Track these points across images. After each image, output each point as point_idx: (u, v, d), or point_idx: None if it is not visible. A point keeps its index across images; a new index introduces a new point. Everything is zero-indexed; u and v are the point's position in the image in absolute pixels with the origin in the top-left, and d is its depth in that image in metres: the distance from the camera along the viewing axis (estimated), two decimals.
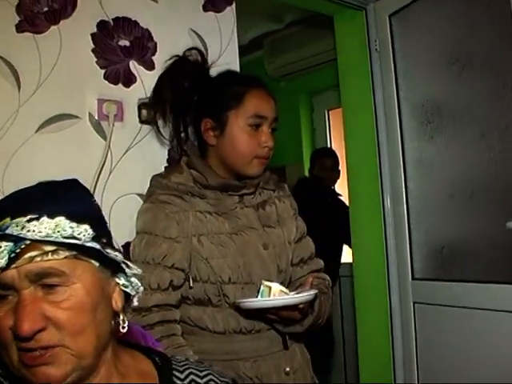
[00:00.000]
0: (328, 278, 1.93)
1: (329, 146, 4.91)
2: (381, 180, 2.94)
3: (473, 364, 2.48)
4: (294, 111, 5.22)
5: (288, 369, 1.77)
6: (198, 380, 1.08)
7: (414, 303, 2.82)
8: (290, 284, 1.84)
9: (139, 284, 1.03)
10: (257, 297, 1.67)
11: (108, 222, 1.83)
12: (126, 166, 1.96)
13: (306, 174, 4.78)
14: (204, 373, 1.10)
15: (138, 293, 1.03)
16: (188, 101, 1.85)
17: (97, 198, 1.85)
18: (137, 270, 1.02)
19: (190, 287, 1.71)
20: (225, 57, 2.15)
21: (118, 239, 1.90)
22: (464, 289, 2.55)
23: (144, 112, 2.00)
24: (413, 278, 2.85)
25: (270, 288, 1.67)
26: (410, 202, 2.87)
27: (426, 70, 2.81)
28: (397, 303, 2.87)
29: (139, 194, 1.92)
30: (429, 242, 2.82)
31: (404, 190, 2.87)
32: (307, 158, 4.97)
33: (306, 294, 1.68)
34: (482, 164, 2.52)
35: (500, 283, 2.37)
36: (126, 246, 1.85)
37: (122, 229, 1.86)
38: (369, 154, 2.99)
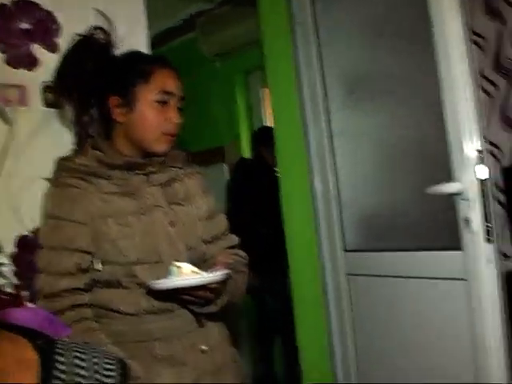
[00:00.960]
0: (244, 254, 1.93)
1: (265, 124, 4.88)
2: (309, 153, 2.94)
3: (407, 331, 2.51)
4: (230, 91, 5.20)
5: (204, 347, 1.76)
6: (82, 364, 1.07)
7: (347, 275, 2.83)
8: (205, 262, 1.83)
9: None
10: (166, 277, 1.65)
11: (15, 207, 1.85)
12: (32, 151, 1.93)
13: (245, 153, 4.77)
14: (88, 356, 1.08)
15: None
16: (92, 81, 1.82)
17: (3, 183, 1.82)
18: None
19: (99, 270, 1.69)
20: (133, 38, 2.11)
21: (29, 224, 1.88)
22: (395, 258, 2.57)
23: (49, 95, 1.96)
24: (345, 250, 2.85)
25: (180, 268, 1.65)
26: (339, 173, 2.87)
27: (348, 41, 2.82)
28: (330, 276, 2.88)
29: (46, 178, 1.88)
30: (359, 212, 2.84)
31: (332, 161, 2.88)
32: (244, 137, 4.96)
33: (218, 273, 1.67)
34: (405, 132, 2.54)
35: (429, 250, 2.38)
36: (37, 231, 1.81)
37: (32, 214, 1.83)
38: (295, 128, 2.99)
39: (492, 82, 3.74)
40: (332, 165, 2.88)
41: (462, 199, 2.07)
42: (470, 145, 2.04)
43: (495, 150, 3.71)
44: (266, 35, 3.17)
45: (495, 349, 2.07)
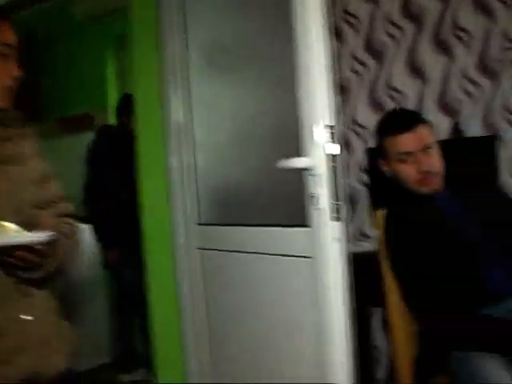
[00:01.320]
0: (76, 224, 1.81)
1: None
2: (167, 123, 2.84)
3: (257, 308, 2.48)
4: (101, 56, 4.99)
5: (26, 317, 1.63)
6: None
7: (199, 249, 2.77)
8: (35, 227, 1.69)
9: None
10: None
11: None
12: None
13: (112, 120, 4.60)
14: None
15: None
16: None
17: None
18: None
19: None
20: None
21: None
22: (245, 233, 2.55)
23: None
24: (198, 224, 2.78)
25: (3, 227, 1.52)
26: (196, 145, 2.79)
27: (213, 11, 2.74)
28: (182, 249, 2.81)
29: None
30: (214, 185, 2.78)
31: (190, 132, 2.79)
32: (114, 103, 4.79)
33: (43, 234, 1.54)
34: (261, 105, 2.49)
35: (279, 226, 2.35)
36: None
37: None
38: (154, 97, 2.89)
39: (362, 63, 3.78)
40: (190, 136, 2.79)
41: (311, 175, 2.03)
42: (321, 121, 1.99)
43: (361, 131, 3.77)
44: (134, 0, 3.03)
45: (338, 331, 2.06)
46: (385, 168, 2.33)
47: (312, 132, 2.04)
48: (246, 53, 2.57)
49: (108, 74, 5.05)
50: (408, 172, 2.24)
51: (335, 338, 2.06)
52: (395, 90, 3.63)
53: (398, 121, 2.30)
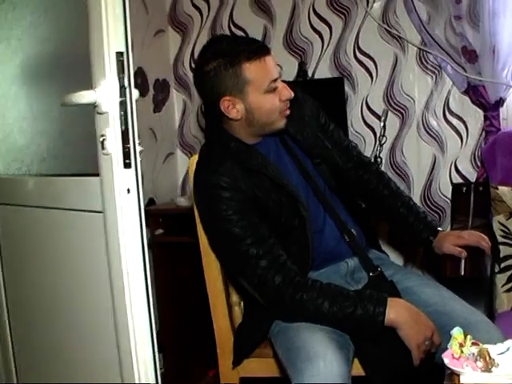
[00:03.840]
0: None
1: None
2: None
3: (49, 266, 2.19)
4: None
5: None
6: None
7: None
8: None
9: None
10: None
11: None
12: None
13: None
14: None
15: None
16: None
17: None
18: None
19: None
20: None
21: None
22: (34, 184, 2.24)
23: None
24: None
25: None
26: None
27: None
28: None
29: None
30: (4, 130, 2.42)
31: None
32: None
33: None
34: (49, 36, 2.16)
35: (70, 176, 2.10)
36: None
37: None
38: None
39: None
40: None
41: (99, 113, 1.73)
42: (112, 48, 1.68)
43: None
44: None
45: (136, 298, 1.79)
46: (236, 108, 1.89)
47: (101, 61, 1.72)
48: None
49: None
50: (275, 103, 1.89)
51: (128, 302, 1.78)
52: (239, 27, 3.39)
53: (253, 44, 1.87)
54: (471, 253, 2.08)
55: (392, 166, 3.20)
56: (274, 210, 1.89)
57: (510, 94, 2.91)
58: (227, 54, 1.83)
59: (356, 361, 1.86)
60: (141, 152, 1.79)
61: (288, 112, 1.92)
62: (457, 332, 1.48)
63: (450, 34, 2.95)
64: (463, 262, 2.07)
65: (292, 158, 1.99)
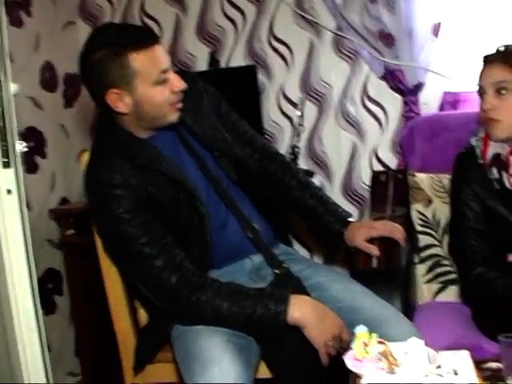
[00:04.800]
0: None
1: None
2: None
3: None
4: None
5: None
6: None
7: None
8: None
9: None
10: None
11: None
12: None
13: None
14: None
15: None
16: None
17: None
18: None
19: None
20: None
21: None
22: None
23: None
24: None
25: None
26: None
27: None
28: None
29: None
30: None
31: None
32: None
33: None
34: None
35: None
36: None
37: None
38: None
39: None
40: None
41: None
42: None
43: None
44: None
45: (20, 298, 1.68)
46: (123, 101, 1.76)
47: None
48: None
49: None
50: (166, 95, 1.78)
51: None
52: (151, 17, 3.28)
53: (141, 33, 1.76)
54: (385, 244, 2.01)
55: (311, 156, 3.14)
56: (169, 208, 1.78)
57: (429, 79, 2.85)
58: (113, 43, 1.71)
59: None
60: (25, 151, 1.68)
61: (180, 105, 1.81)
62: (360, 330, 1.40)
63: (365, 17, 2.89)
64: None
65: (189, 151, 1.89)
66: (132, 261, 1.75)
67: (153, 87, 1.74)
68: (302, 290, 1.82)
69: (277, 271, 1.87)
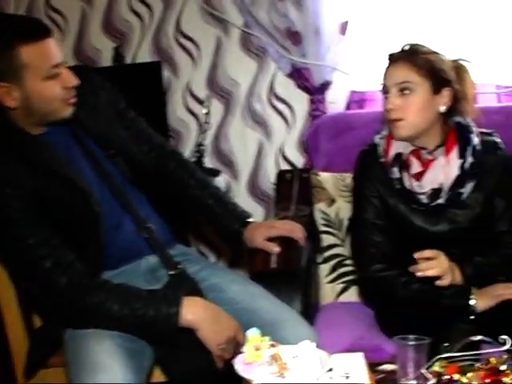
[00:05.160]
0: None
1: None
2: None
3: None
4: None
5: None
6: None
7: None
8: None
9: None
10: None
11: None
12: None
13: None
14: None
15: None
16: None
17: None
18: None
19: None
20: None
21: None
22: None
23: None
24: None
25: None
26: None
27: None
28: None
29: None
30: None
31: None
32: None
33: None
34: None
35: None
36: None
37: None
38: None
39: None
40: None
41: None
42: None
43: None
44: None
45: None
46: (12, 95, 1.67)
47: None
48: None
49: None
50: (57, 90, 1.70)
51: None
52: (56, 10, 3.17)
53: (31, 25, 1.70)
54: (284, 244, 1.98)
55: (217, 154, 3.08)
56: (61, 207, 1.71)
57: (336, 77, 2.84)
58: (1, 35, 1.63)
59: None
60: None
61: (73, 100, 1.74)
62: (252, 334, 1.37)
63: (273, 15, 2.86)
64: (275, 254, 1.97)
65: (83, 149, 1.82)
66: (20, 262, 1.67)
67: (43, 82, 1.67)
68: (197, 291, 1.78)
69: (172, 272, 1.82)
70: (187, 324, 1.62)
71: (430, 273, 1.81)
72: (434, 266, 1.82)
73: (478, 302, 1.82)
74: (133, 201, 1.87)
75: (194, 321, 1.62)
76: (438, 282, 1.83)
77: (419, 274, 1.81)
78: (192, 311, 1.62)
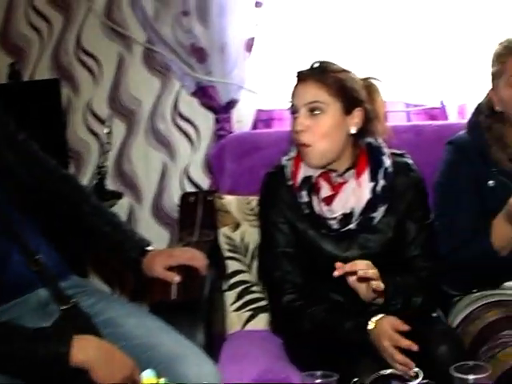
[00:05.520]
0: None
1: None
2: None
3: None
4: None
5: None
6: None
7: None
8: None
9: None
10: None
11: None
12: None
13: None
14: None
15: None
16: None
17: None
18: None
19: None
20: None
21: None
22: None
23: None
24: None
25: None
26: None
27: None
28: None
29: None
30: None
31: None
32: None
33: None
34: None
35: None
36: None
37: None
38: None
39: None
40: None
41: None
42: None
43: None
44: None
45: None
46: None
47: None
48: None
49: None
50: None
51: None
52: None
53: None
54: (185, 273, 1.88)
55: (119, 176, 2.96)
56: None
57: (243, 96, 2.78)
58: None
59: None
60: None
61: None
62: (147, 376, 1.28)
63: (178, 31, 2.78)
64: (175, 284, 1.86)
65: None
66: None
67: None
68: (90, 327, 1.66)
69: (63, 307, 1.69)
70: (78, 364, 1.50)
71: (371, 273, 1.73)
72: (372, 267, 1.75)
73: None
74: (22, 230, 1.74)
75: (86, 361, 1.50)
76: (375, 284, 1.72)
77: (360, 273, 1.72)
78: (83, 351, 1.50)
